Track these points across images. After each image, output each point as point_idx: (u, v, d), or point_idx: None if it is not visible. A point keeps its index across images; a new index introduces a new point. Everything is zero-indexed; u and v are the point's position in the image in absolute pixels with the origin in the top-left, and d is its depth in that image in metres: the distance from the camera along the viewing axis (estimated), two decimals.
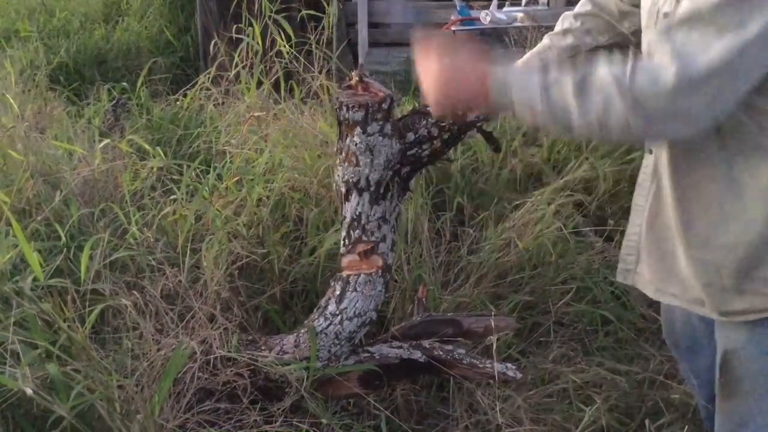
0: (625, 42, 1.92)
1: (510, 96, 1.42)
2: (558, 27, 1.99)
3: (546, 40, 2.00)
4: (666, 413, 2.40)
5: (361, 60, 6.83)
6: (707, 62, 1.28)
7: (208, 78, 4.09)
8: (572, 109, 1.37)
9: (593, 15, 1.93)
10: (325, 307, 2.12)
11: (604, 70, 1.35)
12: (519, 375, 2.20)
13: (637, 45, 1.75)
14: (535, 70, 1.40)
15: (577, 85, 1.35)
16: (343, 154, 2.00)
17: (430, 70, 1.51)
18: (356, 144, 1.95)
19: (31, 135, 3.24)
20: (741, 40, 1.27)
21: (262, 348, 2.17)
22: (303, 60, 3.61)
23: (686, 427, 2.26)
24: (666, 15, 1.51)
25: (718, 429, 1.77)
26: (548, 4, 6.19)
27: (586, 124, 1.37)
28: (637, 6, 1.85)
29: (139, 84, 4.38)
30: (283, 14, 3.69)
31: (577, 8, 1.97)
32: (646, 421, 2.11)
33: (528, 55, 2.01)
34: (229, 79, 3.93)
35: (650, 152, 1.72)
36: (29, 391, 1.68)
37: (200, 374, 2.07)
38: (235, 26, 3.94)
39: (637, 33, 1.76)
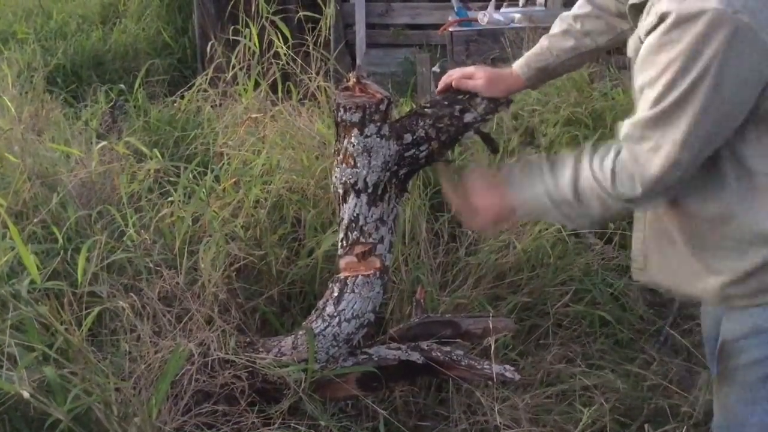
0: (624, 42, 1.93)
1: (527, 211, 1.78)
2: (556, 28, 1.97)
3: (544, 41, 1.99)
4: (670, 419, 2.39)
5: (358, 61, 6.84)
6: (660, 164, 1.50)
7: (206, 79, 4.09)
8: (581, 218, 1.71)
9: (593, 16, 1.92)
10: (323, 309, 2.12)
11: (589, 178, 1.61)
12: (517, 376, 2.19)
13: None
14: (542, 191, 1.68)
15: (575, 199, 1.63)
16: (341, 156, 1.99)
17: (487, 203, 1.80)
18: (354, 145, 1.95)
19: (28, 137, 3.23)
20: (679, 137, 1.47)
21: (260, 350, 2.17)
22: (300, 61, 3.60)
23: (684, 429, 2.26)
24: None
25: (715, 418, 1.79)
26: (546, 5, 6.18)
27: (597, 219, 1.68)
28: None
29: (136, 86, 4.38)
30: (281, 15, 3.68)
31: (576, 9, 1.96)
32: (646, 426, 2.11)
33: (526, 56, 2.00)
34: (227, 81, 3.92)
35: None
36: (26, 394, 1.67)
37: (198, 376, 2.06)
38: (232, 28, 3.94)
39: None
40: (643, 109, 1.51)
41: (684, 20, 1.39)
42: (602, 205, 1.60)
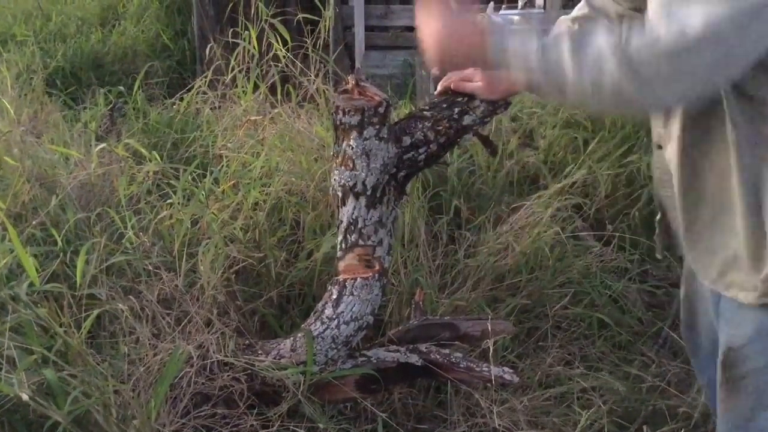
0: None
1: (507, 52, 1.41)
2: (554, 31, 1.97)
3: None
4: (668, 421, 2.40)
5: (358, 63, 6.84)
6: (709, 21, 1.22)
7: (205, 82, 4.09)
8: (566, 67, 1.33)
9: (591, 19, 1.92)
10: (322, 311, 2.12)
11: (602, 31, 1.32)
12: (516, 378, 2.20)
13: None
14: (534, 31, 1.40)
15: (573, 44, 1.33)
16: (340, 158, 1.99)
17: (432, 26, 1.52)
18: (352, 148, 1.95)
19: (27, 139, 3.23)
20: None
21: (259, 352, 2.17)
22: (299, 64, 3.60)
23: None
24: None
25: (722, 426, 1.75)
26: (544, 7, 6.20)
27: (579, 85, 1.33)
28: (636, 9, 1.85)
29: (135, 88, 4.38)
30: (280, 18, 3.69)
31: (574, 12, 1.96)
32: (645, 427, 2.11)
33: None
34: (226, 83, 3.93)
35: (659, 148, 1.71)
36: (25, 397, 1.67)
37: (197, 379, 2.06)
38: (231, 30, 3.94)
39: None
40: None
41: None
42: (597, 61, 1.30)
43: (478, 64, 1.62)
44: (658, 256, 1.88)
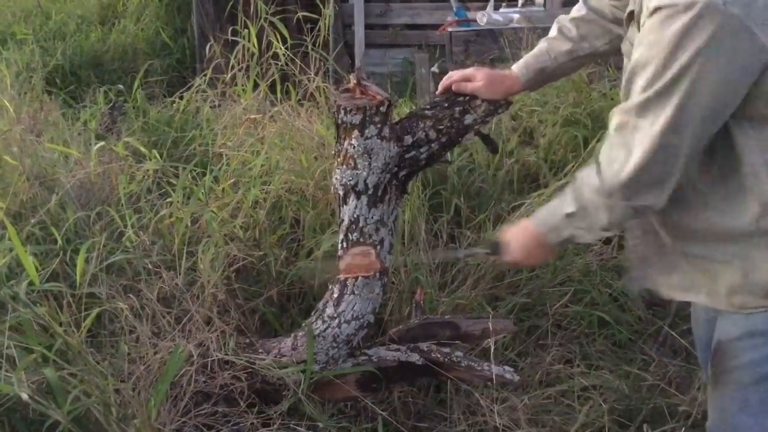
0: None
1: (560, 239, 1.75)
2: (554, 31, 1.98)
3: (543, 44, 1.99)
4: (668, 419, 2.39)
5: (357, 61, 6.83)
6: (643, 149, 1.51)
7: (205, 80, 4.09)
8: (594, 229, 1.68)
9: (588, 20, 1.92)
10: (323, 310, 2.12)
11: (582, 181, 1.65)
12: (516, 377, 2.20)
13: None
14: (558, 213, 1.71)
15: (581, 209, 1.66)
16: (341, 157, 1.99)
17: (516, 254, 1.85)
18: (354, 147, 1.95)
19: (27, 138, 3.23)
20: (659, 126, 1.47)
21: (260, 351, 2.17)
22: (299, 62, 3.60)
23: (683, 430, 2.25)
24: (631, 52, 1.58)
25: (709, 419, 1.79)
26: (544, 5, 6.19)
27: (608, 226, 1.65)
28: (629, 15, 1.85)
29: (135, 86, 4.38)
30: (279, 16, 3.68)
31: (573, 13, 1.96)
32: (645, 426, 2.11)
33: (525, 58, 2.01)
34: (225, 82, 3.92)
35: None
36: (25, 396, 1.67)
37: (197, 377, 2.06)
38: (231, 28, 3.94)
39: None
40: (632, 97, 1.52)
41: (674, 12, 1.39)
42: (603, 208, 1.61)
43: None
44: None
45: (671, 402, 2.49)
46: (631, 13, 1.62)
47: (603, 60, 4.14)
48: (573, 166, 3.51)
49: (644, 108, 1.48)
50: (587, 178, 1.63)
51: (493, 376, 2.16)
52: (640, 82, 1.49)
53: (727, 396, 1.71)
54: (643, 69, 1.47)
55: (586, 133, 3.81)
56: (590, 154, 3.63)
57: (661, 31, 1.42)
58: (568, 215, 1.68)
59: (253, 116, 3.47)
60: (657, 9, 1.42)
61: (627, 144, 1.53)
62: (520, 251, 1.83)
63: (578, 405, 2.40)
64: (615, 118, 1.57)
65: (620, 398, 2.51)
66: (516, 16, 5.72)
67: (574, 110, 3.92)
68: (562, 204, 1.70)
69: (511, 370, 2.21)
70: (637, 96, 1.49)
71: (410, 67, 6.54)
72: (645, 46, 1.46)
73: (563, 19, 1.98)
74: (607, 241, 3.24)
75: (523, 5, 6.21)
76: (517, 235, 1.83)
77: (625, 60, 1.68)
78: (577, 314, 2.94)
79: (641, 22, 1.51)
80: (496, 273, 2.94)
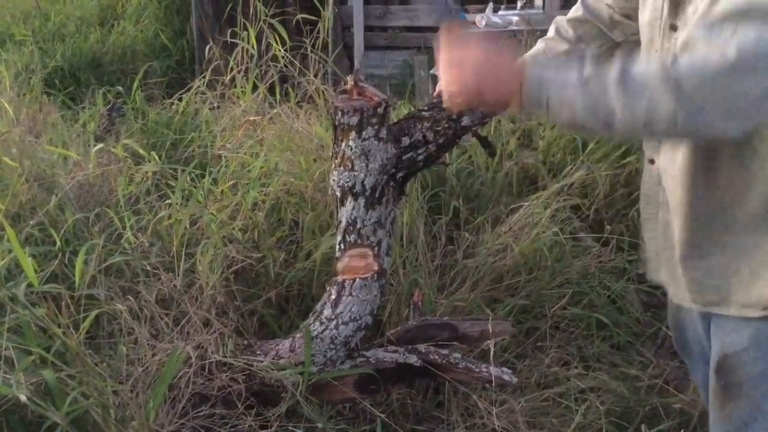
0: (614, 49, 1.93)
1: (547, 93, 1.35)
2: (551, 32, 1.99)
3: (540, 44, 2.00)
4: (665, 420, 2.40)
5: (356, 63, 6.84)
6: (760, 43, 1.20)
7: (204, 82, 4.09)
8: (614, 105, 1.29)
9: (584, 21, 1.93)
10: (321, 312, 2.12)
11: (646, 63, 1.31)
12: (514, 379, 2.20)
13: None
14: (572, 64, 1.33)
15: (618, 79, 1.28)
16: (338, 159, 1.99)
17: (462, 60, 1.41)
18: (351, 148, 1.95)
19: (26, 139, 3.23)
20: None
21: (258, 353, 2.17)
22: (298, 64, 3.60)
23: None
24: (673, 27, 1.49)
25: (720, 427, 1.75)
26: (543, 7, 6.20)
27: (629, 120, 1.30)
28: (628, 17, 1.86)
29: (134, 88, 4.38)
30: (279, 18, 3.69)
31: (570, 14, 1.97)
32: (643, 426, 2.11)
33: (522, 59, 2.01)
34: (225, 83, 3.93)
35: (651, 162, 1.71)
36: (23, 398, 1.67)
37: (195, 379, 2.06)
38: (230, 30, 3.94)
39: (627, 43, 1.76)
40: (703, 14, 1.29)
41: None
42: (649, 96, 1.26)
43: (508, 104, 1.43)
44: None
45: (669, 403, 2.50)
46: None
47: None
48: (571, 168, 3.52)
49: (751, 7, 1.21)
50: (650, 60, 1.31)
51: (492, 378, 2.16)
52: None
53: (738, 409, 1.68)
54: None
55: (585, 135, 3.81)
56: (588, 156, 3.64)
57: None
58: (592, 77, 1.30)
59: (252, 118, 3.47)
60: None
61: (727, 45, 1.22)
62: (472, 69, 1.40)
63: (576, 407, 2.40)
64: (695, 31, 1.28)
65: (618, 400, 2.52)
66: (515, 18, 5.74)
67: None
68: (591, 69, 1.31)
69: (510, 371, 2.21)
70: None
71: (409, 69, 6.55)
72: None
73: (560, 20, 1.99)
74: (606, 242, 3.25)
75: (521, 8, 6.22)
76: (483, 52, 1.40)
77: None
78: (576, 316, 2.94)
79: None
80: (495, 275, 2.94)
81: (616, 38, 1.91)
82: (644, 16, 1.64)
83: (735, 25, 1.22)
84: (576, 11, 1.96)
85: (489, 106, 1.59)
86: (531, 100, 1.36)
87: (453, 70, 1.43)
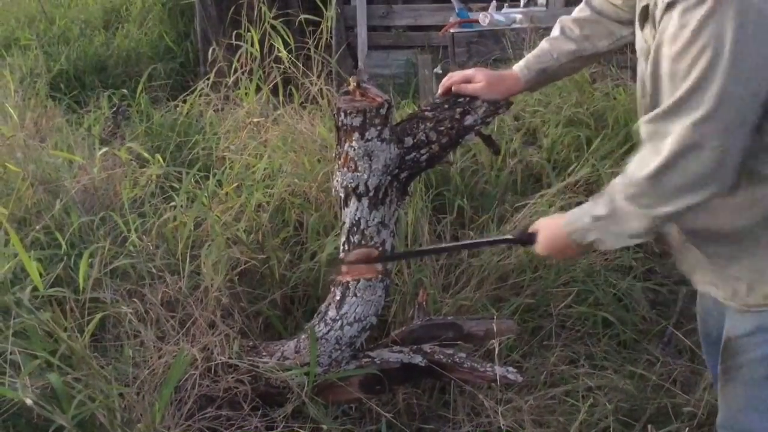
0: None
1: (585, 240, 1.68)
2: (556, 31, 1.97)
3: (545, 44, 1.98)
4: (672, 418, 2.39)
5: (360, 63, 6.84)
6: (672, 148, 1.45)
7: (208, 84, 4.10)
8: (622, 235, 1.63)
9: (592, 21, 1.92)
10: (326, 313, 2.12)
11: (615, 185, 1.60)
12: (520, 378, 2.19)
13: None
14: (586, 215, 1.66)
15: (611, 212, 1.60)
16: (342, 160, 1.99)
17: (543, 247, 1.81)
18: (354, 149, 1.95)
19: (31, 144, 3.24)
20: (691, 120, 1.41)
21: (263, 354, 2.17)
22: (302, 65, 3.61)
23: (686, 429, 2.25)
24: (648, 51, 1.56)
25: (720, 415, 1.79)
26: (546, 5, 6.19)
27: (636, 233, 1.60)
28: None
29: (138, 90, 4.39)
30: (282, 19, 3.69)
31: (576, 13, 1.96)
32: (650, 426, 2.11)
33: (526, 58, 2.00)
34: (228, 85, 3.93)
35: None
36: (29, 401, 1.68)
37: (201, 381, 2.07)
38: (234, 32, 3.95)
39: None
40: (661, 104, 1.48)
41: (693, 5, 1.36)
42: (634, 216, 1.56)
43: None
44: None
45: (676, 402, 2.49)
46: (645, 8, 1.57)
47: (605, 60, 4.15)
48: (576, 166, 3.51)
49: (675, 111, 1.43)
50: (619, 185, 1.59)
51: (497, 377, 2.16)
52: (665, 85, 1.46)
53: (736, 392, 1.71)
54: (669, 69, 1.44)
55: (589, 133, 3.82)
56: (593, 153, 3.64)
57: (680, 25, 1.38)
58: (597, 218, 1.63)
59: (255, 120, 3.48)
60: (672, 3, 1.40)
61: (658, 149, 1.47)
62: (547, 245, 1.80)
63: (582, 405, 2.39)
64: (644, 129, 1.53)
65: (625, 398, 2.51)
66: (518, 16, 5.73)
67: (576, 110, 3.92)
68: (594, 206, 1.65)
69: (514, 370, 2.20)
70: (667, 101, 1.45)
71: (413, 69, 6.55)
72: (667, 44, 1.43)
73: (566, 19, 1.98)
74: None
75: (525, 5, 6.21)
76: (547, 229, 1.80)
77: (641, 62, 1.65)
78: (582, 315, 2.94)
79: (657, 17, 1.48)
80: (500, 274, 2.94)
81: (627, 34, 1.89)
82: (636, 36, 1.70)
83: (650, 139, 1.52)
84: (582, 11, 1.95)
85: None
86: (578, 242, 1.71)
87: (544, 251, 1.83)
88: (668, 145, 1.44)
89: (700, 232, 1.67)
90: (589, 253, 3.13)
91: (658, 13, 1.47)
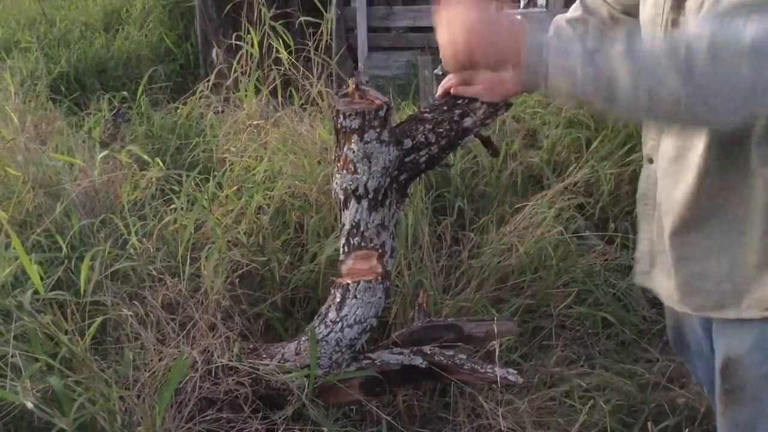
0: None
1: (546, 58, 1.28)
2: (549, 32, 1.97)
3: None
4: (671, 416, 2.40)
5: (360, 65, 6.84)
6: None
7: (208, 86, 4.10)
8: (618, 77, 1.22)
9: (584, 21, 1.92)
10: (326, 315, 2.12)
11: (653, 37, 1.29)
12: (520, 379, 2.19)
13: None
14: (576, 34, 1.33)
15: (624, 51, 1.22)
16: (341, 162, 1.99)
17: (461, 19, 1.36)
18: (354, 151, 1.95)
19: (31, 147, 3.25)
20: None
21: (264, 356, 2.18)
22: (302, 66, 3.61)
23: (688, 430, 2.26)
24: (675, 22, 1.47)
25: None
26: (546, 6, 6.19)
27: (632, 96, 1.23)
28: (629, 14, 1.85)
29: (139, 93, 4.40)
30: (282, 21, 3.69)
31: (569, 14, 1.96)
32: (649, 424, 2.11)
33: None
34: (228, 87, 3.94)
35: (650, 162, 1.71)
36: (30, 405, 1.68)
37: (202, 384, 2.07)
38: (234, 33, 3.95)
39: None
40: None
41: None
42: (655, 70, 1.21)
43: (505, 65, 1.38)
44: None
45: (675, 401, 2.50)
46: None
47: None
48: (575, 167, 3.52)
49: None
50: (686, 34, 1.23)
51: (497, 379, 2.16)
52: None
53: (744, 412, 1.66)
54: None
55: (589, 134, 3.82)
56: (593, 155, 3.64)
57: None
58: (596, 51, 1.24)
59: (256, 122, 3.48)
60: None
61: (737, 29, 1.16)
62: (466, 28, 1.35)
63: (582, 405, 2.40)
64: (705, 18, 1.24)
65: (624, 398, 2.52)
66: (518, 17, 5.73)
67: (576, 111, 3.92)
68: (586, 36, 1.27)
69: (515, 372, 2.21)
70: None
71: (413, 70, 6.55)
72: None
73: (560, 19, 1.98)
74: (610, 240, 3.25)
75: (524, 6, 6.21)
76: (479, 12, 1.36)
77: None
78: (581, 315, 2.95)
79: None
80: (500, 275, 2.94)
81: None
82: (645, 13, 1.62)
83: (746, 15, 1.17)
84: (575, 11, 1.95)
85: (486, 64, 1.49)
86: (528, 66, 1.29)
87: (450, 29, 1.38)
88: (765, 32, 1.14)
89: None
90: (589, 256, 3.14)
91: None
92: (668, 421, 2.36)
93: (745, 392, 1.63)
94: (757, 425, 1.64)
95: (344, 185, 2.00)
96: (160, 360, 2.05)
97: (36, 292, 2.02)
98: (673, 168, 1.60)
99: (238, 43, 3.84)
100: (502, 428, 2.21)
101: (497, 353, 2.19)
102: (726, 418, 1.69)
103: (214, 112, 4.03)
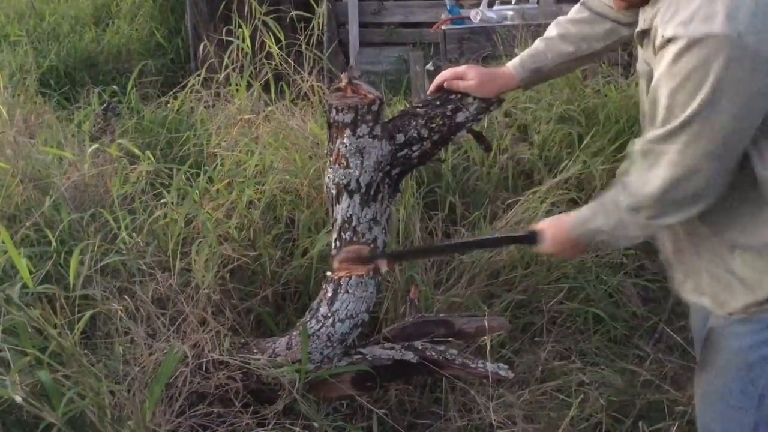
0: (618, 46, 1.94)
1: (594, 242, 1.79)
2: (552, 32, 1.96)
3: (540, 44, 1.97)
4: (662, 413, 2.40)
5: (352, 60, 6.84)
6: (660, 180, 1.55)
7: (198, 80, 4.08)
8: (629, 240, 1.75)
9: (588, 22, 1.91)
10: (317, 310, 2.12)
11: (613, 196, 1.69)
12: (511, 374, 2.20)
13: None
14: (600, 220, 1.73)
15: (617, 222, 1.68)
16: (333, 157, 1.99)
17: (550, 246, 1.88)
18: (346, 146, 1.95)
19: (21, 140, 3.22)
20: (677, 156, 1.50)
21: (255, 351, 2.17)
22: (293, 61, 3.60)
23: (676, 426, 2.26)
24: (650, 74, 1.58)
25: (698, 412, 1.82)
26: (538, 2, 6.19)
27: (640, 239, 1.73)
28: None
29: (129, 87, 4.37)
30: (273, 15, 3.68)
31: (572, 14, 1.95)
32: (640, 423, 2.12)
33: (520, 57, 2.00)
34: (219, 81, 3.92)
35: None
36: (19, 399, 1.67)
37: (192, 378, 2.06)
38: (224, 28, 3.93)
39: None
40: (654, 129, 1.54)
41: (688, 44, 1.38)
42: (634, 226, 1.65)
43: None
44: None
45: (666, 398, 2.50)
46: (643, 32, 1.60)
47: (599, 59, 4.15)
48: (567, 162, 3.52)
49: (668, 138, 1.50)
50: (616, 197, 1.66)
51: (489, 374, 2.17)
52: (662, 113, 1.50)
53: (716, 380, 1.72)
54: (665, 101, 1.48)
55: (581, 129, 3.82)
56: (584, 150, 3.64)
57: (677, 64, 1.42)
58: (604, 227, 1.71)
59: (247, 116, 3.47)
60: (671, 39, 1.42)
61: (654, 166, 1.55)
62: (554, 244, 1.86)
63: (573, 401, 2.40)
64: (638, 146, 1.60)
65: (615, 393, 2.52)
66: (510, 13, 5.73)
67: (568, 107, 3.92)
68: (595, 216, 1.73)
69: (506, 367, 2.21)
70: (660, 128, 1.51)
71: (405, 66, 6.55)
72: (664, 78, 1.46)
73: (562, 20, 1.97)
74: None
75: (516, 2, 6.21)
76: (554, 228, 1.85)
77: (642, 81, 1.68)
78: (573, 311, 2.95)
79: (656, 44, 1.49)
80: (491, 271, 2.94)
81: (627, 34, 1.89)
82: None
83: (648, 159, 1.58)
84: (579, 12, 1.94)
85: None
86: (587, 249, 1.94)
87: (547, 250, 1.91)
88: (669, 166, 1.52)
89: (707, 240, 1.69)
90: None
91: (658, 40, 1.48)
92: (661, 423, 2.36)
93: (716, 359, 1.72)
94: (719, 398, 1.72)
95: (336, 180, 2.00)
96: (150, 354, 2.04)
97: (25, 285, 2.00)
98: None
99: (228, 38, 3.82)
100: (493, 422, 2.21)
101: (488, 348, 2.19)
102: (698, 383, 1.80)
103: (205, 107, 4.01)
